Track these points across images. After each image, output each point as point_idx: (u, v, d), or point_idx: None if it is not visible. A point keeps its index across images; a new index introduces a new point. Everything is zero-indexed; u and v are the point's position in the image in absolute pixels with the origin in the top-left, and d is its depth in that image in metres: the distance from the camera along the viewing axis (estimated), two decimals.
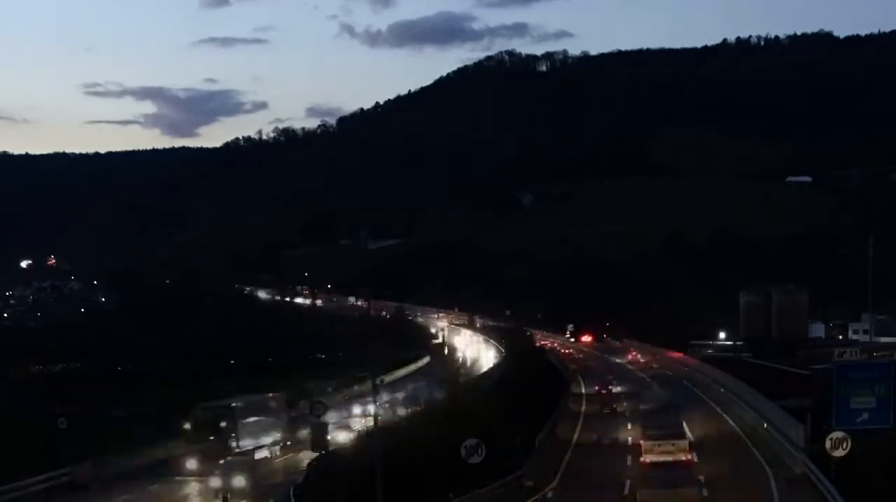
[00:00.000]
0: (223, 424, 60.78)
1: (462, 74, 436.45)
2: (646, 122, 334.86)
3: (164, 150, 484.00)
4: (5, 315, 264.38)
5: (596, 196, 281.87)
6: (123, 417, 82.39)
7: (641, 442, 52.73)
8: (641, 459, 50.47)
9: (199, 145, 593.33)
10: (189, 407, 64.60)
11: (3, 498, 49.72)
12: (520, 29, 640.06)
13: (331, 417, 59.34)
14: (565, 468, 55.19)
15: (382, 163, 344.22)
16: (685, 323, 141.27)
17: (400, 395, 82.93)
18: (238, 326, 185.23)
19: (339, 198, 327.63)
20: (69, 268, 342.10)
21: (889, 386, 48.00)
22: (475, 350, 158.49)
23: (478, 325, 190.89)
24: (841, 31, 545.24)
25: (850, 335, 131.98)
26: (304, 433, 59.10)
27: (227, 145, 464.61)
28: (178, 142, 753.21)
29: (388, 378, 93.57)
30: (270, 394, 71.02)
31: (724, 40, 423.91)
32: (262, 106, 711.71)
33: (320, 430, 46.62)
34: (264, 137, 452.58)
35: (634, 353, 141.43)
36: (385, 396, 69.44)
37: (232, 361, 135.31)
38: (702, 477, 45.99)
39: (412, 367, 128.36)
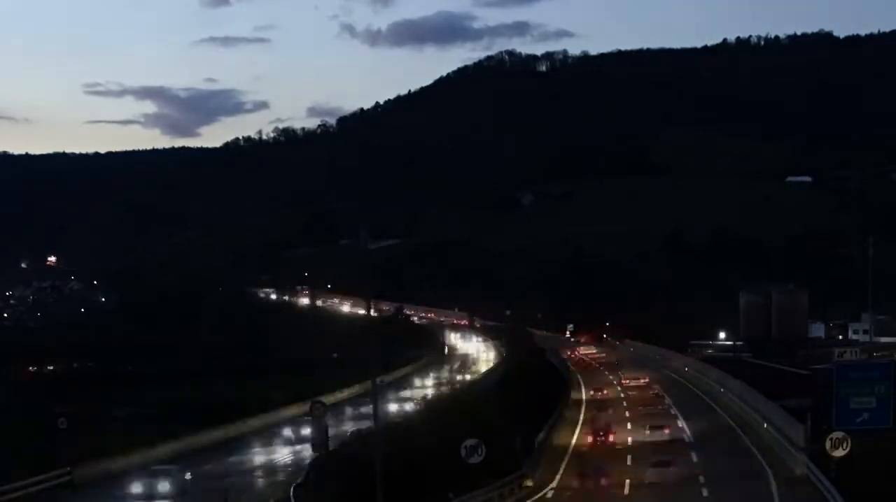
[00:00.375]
0: None
1: (462, 74, 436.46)
2: (646, 122, 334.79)
3: (164, 150, 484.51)
4: (5, 315, 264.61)
5: (596, 196, 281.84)
6: (123, 417, 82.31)
7: None
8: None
9: (199, 145, 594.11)
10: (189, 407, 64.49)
11: (3, 498, 49.72)
12: (520, 28, 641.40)
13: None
14: (565, 468, 55.18)
15: (382, 163, 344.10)
16: (685, 323, 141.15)
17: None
18: (238, 326, 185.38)
19: (339, 198, 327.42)
20: (69, 268, 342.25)
21: (889, 386, 48.00)
22: (475, 350, 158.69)
23: (478, 325, 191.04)
24: (841, 31, 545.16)
25: (850, 335, 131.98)
26: None
27: (227, 145, 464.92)
28: (179, 142, 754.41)
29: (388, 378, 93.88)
30: None
31: (724, 40, 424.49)
32: (262, 105, 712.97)
33: (321, 430, 46.61)
34: (264, 137, 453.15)
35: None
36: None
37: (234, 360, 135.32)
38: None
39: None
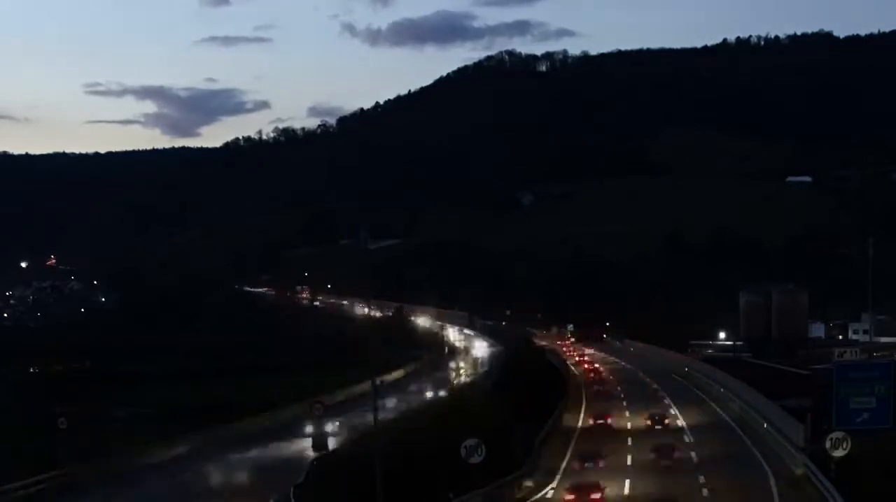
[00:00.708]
0: None
1: (462, 74, 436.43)
2: (646, 122, 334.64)
3: (164, 150, 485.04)
4: (5, 315, 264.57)
5: (596, 196, 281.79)
6: (123, 417, 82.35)
7: None
8: None
9: (200, 145, 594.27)
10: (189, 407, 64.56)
11: (4, 497, 49.74)
12: (520, 27, 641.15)
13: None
14: (565, 468, 55.15)
15: (382, 163, 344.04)
16: (685, 323, 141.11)
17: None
18: (238, 326, 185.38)
19: (339, 198, 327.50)
20: (69, 268, 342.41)
21: (889, 386, 48.07)
22: (475, 350, 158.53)
23: (477, 325, 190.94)
24: (841, 31, 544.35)
25: (850, 335, 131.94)
26: None
27: (227, 145, 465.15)
28: (180, 142, 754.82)
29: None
30: None
31: (724, 40, 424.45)
32: (263, 105, 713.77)
33: (320, 430, 46.66)
34: (264, 137, 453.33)
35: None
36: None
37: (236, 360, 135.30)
38: None
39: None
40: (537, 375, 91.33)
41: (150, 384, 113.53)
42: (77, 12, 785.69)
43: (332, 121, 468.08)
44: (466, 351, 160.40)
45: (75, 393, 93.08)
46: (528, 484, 49.66)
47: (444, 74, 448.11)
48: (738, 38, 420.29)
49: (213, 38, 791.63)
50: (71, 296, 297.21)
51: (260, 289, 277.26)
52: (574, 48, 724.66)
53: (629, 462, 55.51)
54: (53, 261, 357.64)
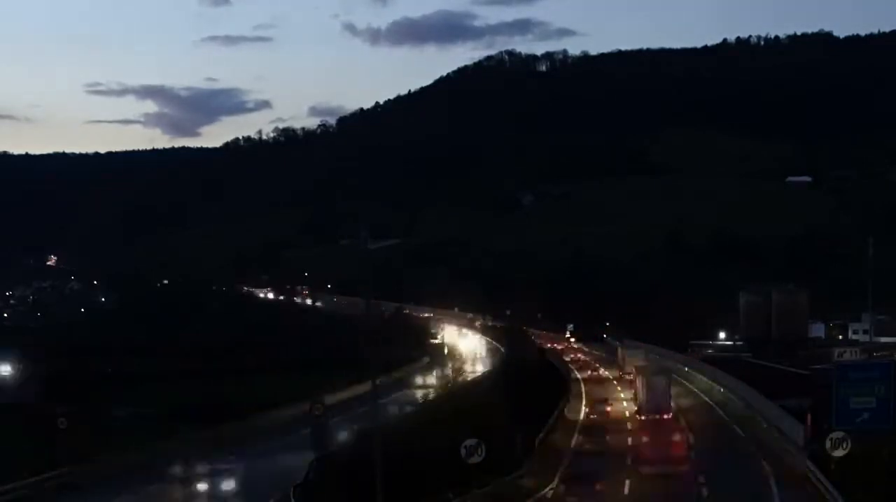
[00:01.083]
0: None
1: (462, 74, 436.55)
2: (646, 121, 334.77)
3: (165, 150, 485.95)
4: (5, 315, 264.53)
5: (596, 196, 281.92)
6: (123, 417, 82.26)
7: None
8: None
9: (200, 145, 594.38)
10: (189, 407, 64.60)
11: (3, 497, 49.73)
12: (521, 27, 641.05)
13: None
14: (565, 468, 55.16)
15: (382, 163, 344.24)
16: (685, 323, 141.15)
17: None
18: (238, 326, 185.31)
19: (339, 198, 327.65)
20: (69, 268, 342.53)
21: (889, 387, 48.02)
22: (475, 350, 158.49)
23: (477, 325, 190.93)
24: (841, 31, 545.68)
25: (850, 335, 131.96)
26: None
27: (227, 145, 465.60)
28: (181, 142, 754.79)
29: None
30: None
31: (724, 40, 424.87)
32: (264, 105, 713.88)
33: (320, 430, 46.59)
34: (264, 137, 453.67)
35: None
36: None
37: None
38: None
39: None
40: (537, 375, 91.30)
41: (150, 384, 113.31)
42: (77, 12, 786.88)
43: (333, 120, 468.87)
44: (466, 351, 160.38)
45: (75, 393, 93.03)
46: (528, 484, 49.65)
47: (444, 74, 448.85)
48: (738, 38, 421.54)
49: (213, 38, 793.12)
50: (71, 296, 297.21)
51: (261, 291, 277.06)
52: (575, 48, 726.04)
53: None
54: (53, 261, 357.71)
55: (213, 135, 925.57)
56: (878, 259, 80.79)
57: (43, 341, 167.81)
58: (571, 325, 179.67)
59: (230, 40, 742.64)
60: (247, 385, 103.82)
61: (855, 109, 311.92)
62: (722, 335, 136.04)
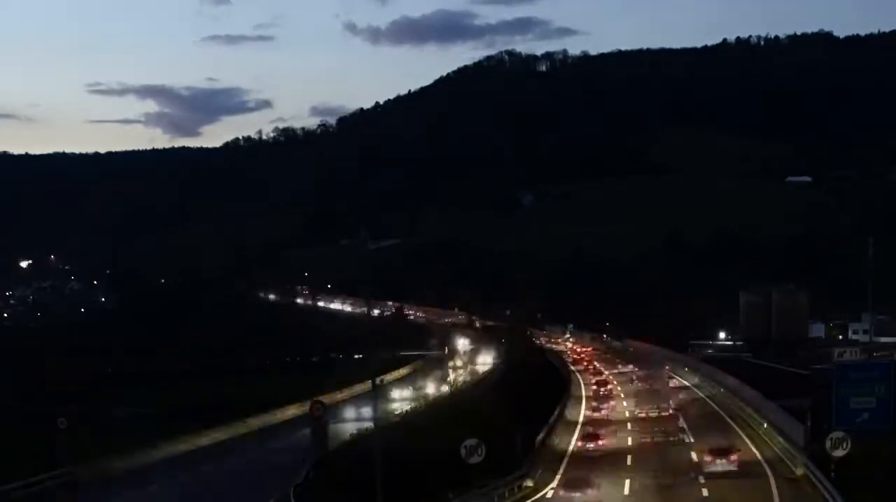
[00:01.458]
0: None
1: (462, 74, 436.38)
2: (646, 121, 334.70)
3: (165, 150, 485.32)
4: (5, 315, 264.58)
5: (596, 196, 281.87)
6: (123, 417, 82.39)
7: None
8: None
9: (201, 145, 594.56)
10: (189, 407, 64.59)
11: (4, 497, 49.75)
12: (521, 26, 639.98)
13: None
14: (565, 468, 55.17)
15: (382, 162, 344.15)
16: (685, 323, 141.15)
17: None
18: (238, 326, 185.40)
19: (339, 198, 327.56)
20: (69, 268, 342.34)
21: (889, 387, 48.04)
22: (475, 350, 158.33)
23: (477, 325, 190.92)
24: (841, 31, 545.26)
25: (850, 335, 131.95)
26: None
27: (227, 145, 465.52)
28: (181, 142, 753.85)
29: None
30: None
31: (724, 40, 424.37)
32: (265, 104, 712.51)
33: (320, 430, 46.60)
34: (264, 137, 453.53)
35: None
36: None
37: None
38: None
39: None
40: (537, 375, 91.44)
41: (150, 384, 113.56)
42: (78, 11, 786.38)
43: (333, 120, 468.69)
44: (466, 351, 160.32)
45: (75, 393, 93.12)
46: (528, 484, 49.66)
47: (445, 74, 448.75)
48: (738, 38, 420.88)
49: (214, 37, 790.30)
50: (71, 296, 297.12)
51: (264, 292, 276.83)
52: (575, 47, 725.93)
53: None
54: (53, 261, 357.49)
55: (214, 135, 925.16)
56: (878, 259, 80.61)
57: (43, 341, 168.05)
58: (571, 325, 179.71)
59: (231, 40, 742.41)
60: (247, 385, 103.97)
61: (855, 109, 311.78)
62: (722, 335, 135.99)
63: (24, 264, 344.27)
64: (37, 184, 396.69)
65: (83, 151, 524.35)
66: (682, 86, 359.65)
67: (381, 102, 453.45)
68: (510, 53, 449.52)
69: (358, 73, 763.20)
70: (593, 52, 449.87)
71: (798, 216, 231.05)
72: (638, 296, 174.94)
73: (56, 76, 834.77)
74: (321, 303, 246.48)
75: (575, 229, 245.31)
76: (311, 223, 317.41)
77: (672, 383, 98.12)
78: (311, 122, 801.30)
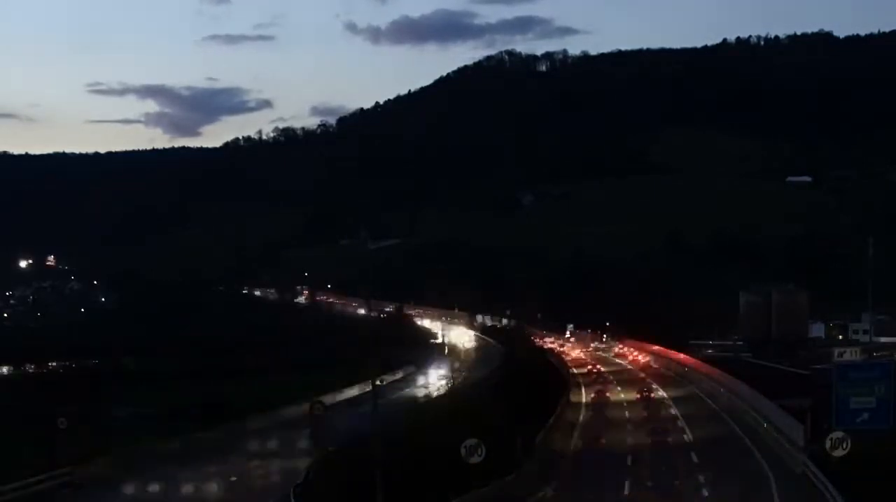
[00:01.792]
0: None
1: (462, 74, 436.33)
2: (646, 121, 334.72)
3: (165, 150, 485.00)
4: (5, 315, 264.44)
5: (596, 196, 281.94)
6: (123, 417, 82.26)
7: None
8: None
9: (201, 144, 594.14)
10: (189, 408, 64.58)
11: (4, 498, 49.72)
12: (522, 25, 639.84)
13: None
14: (565, 468, 55.16)
15: (382, 163, 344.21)
16: (685, 322, 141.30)
17: None
18: (238, 326, 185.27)
19: (339, 198, 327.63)
20: (69, 268, 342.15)
21: (889, 386, 48.02)
22: (475, 350, 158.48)
23: (478, 325, 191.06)
24: (841, 31, 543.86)
25: (850, 335, 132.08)
26: None
27: (226, 145, 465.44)
28: (181, 142, 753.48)
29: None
30: None
31: (724, 40, 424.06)
32: (266, 104, 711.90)
33: (321, 430, 46.61)
34: (264, 137, 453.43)
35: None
36: None
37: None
38: None
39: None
40: (537, 375, 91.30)
41: (150, 384, 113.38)
42: (78, 11, 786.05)
43: (334, 120, 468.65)
44: (466, 350, 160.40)
45: (75, 393, 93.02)
46: (528, 483, 49.62)
47: (445, 74, 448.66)
48: (738, 38, 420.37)
49: (214, 37, 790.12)
50: (71, 296, 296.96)
51: (261, 292, 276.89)
52: (575, 46, 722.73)
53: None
54: (53, 261, 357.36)
55: (215, 135, 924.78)
56: (878, 259, 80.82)
57: (43, 341, 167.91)
58: (571, 325, 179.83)
59: (231, 39, 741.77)
60: (247, 385, 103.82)
61: (855, 109, 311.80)
62: (722, 335, 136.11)
63: (24, 264, 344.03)
64: (37, 184, 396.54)
65: (83, 151, 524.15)
66: (682, 86, 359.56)
67: (381, 102, 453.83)
68: (510, 53, 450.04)
69: (358, 72, 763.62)
70: (593, 51, 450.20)
71: (798, 216, 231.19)
72: (638, 296, 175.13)
73: (56, 76, 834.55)
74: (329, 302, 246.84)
75: (575, 229, 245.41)
76: (311, 223, 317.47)
77: None
78: (312, 122, 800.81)
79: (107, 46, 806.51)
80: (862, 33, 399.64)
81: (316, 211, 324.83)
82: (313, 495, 44.12)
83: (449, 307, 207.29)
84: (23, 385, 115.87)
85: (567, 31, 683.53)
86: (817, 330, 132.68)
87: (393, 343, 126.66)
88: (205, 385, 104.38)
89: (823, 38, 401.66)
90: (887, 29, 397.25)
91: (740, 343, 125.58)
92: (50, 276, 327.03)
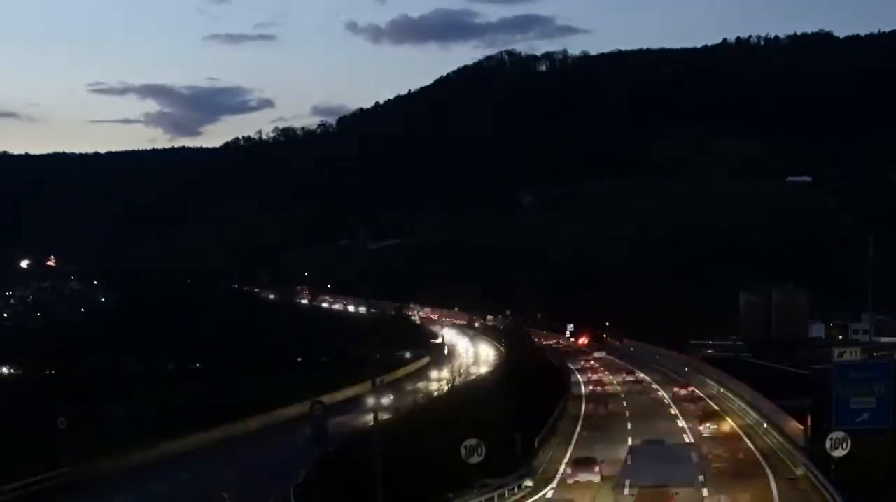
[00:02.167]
0: None
1: (462, 74, 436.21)
2: (646, 121, 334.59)
3: (165, 150, 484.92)
4: (5, 315, 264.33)
5: (596, 196, 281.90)
6: (123, 417, 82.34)
7: None
8: None
9: (201, 144, 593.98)
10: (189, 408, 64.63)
11: (4, 498, 49.74)
12: (522, 25, 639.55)
13: None
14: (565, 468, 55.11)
15: (382, 163, 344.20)
16: (685, 323, 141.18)
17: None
18: (238, 326, 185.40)
19: (338, 198, 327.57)
20: (69, 268, 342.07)
21: (889, 386, 48.05)
22: (475, 350, 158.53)
23: (477, 325, 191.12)
24: (841, 31, 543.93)
25: (850, 335, 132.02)
26: None
27: (226, 145, 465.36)
28: (182, 141, 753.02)
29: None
30: None
31: (724, 40, 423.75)
32: (267, 104, 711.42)
33: (321, 429, 46.62)
34: (264, 137, 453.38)
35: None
36: None
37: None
38: None
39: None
40: (537, 375, 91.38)
41: (149, 384, 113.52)
42: (79, 10, 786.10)
43: (334, 120, 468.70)
44: (466, 350, 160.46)
45: (75, 392, 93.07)
46: (528, 483, 49.65)
47: (445, 74, 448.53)
48: (738, 38, 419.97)
49: (215, 36, 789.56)
50: (71, 296, 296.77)
51: (262, 291, 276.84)
52: (576, 46, 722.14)
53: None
54: (53, 261, 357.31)
55: (215, 135, 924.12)
56: (878, 259, 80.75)
57: (43, 341, 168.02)
58: (571, 325, 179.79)
59: (231, 39, 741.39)
60: (247, 385, 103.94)
61: (855, 109, 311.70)
62: (722, 335, 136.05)
63: (24, 264, 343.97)
64: (37, 184, 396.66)
65: (83, 151, 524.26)
66: (682, 86, 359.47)
67: (381, 102, 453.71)
68: (510, 53, 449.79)
69: (358, 72, 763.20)
70: (593, 51, 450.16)
71: (798, 216, 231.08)
72: (638, 296, 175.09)
73: (56, 76, 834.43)
74: (325, 304, 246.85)
75: (575, 229, 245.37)
76: (311, 223, 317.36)
77: None
78: (312, 122, 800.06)
79: (107, 46, 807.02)
80: (862, 33, 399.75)
81: (316, 211, 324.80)
82: (313, 495, 44.15)
83: (448, 307, 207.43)
84: (23, 385, 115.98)
85: (567, 30, 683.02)
86: (817, 330, 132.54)
87: (394, 343, 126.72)
88: (205, 385, 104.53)
89: (823, 38, 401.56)
90: (887, 29, 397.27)
91: (740, 343, 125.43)
92: (50, 276, 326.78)
